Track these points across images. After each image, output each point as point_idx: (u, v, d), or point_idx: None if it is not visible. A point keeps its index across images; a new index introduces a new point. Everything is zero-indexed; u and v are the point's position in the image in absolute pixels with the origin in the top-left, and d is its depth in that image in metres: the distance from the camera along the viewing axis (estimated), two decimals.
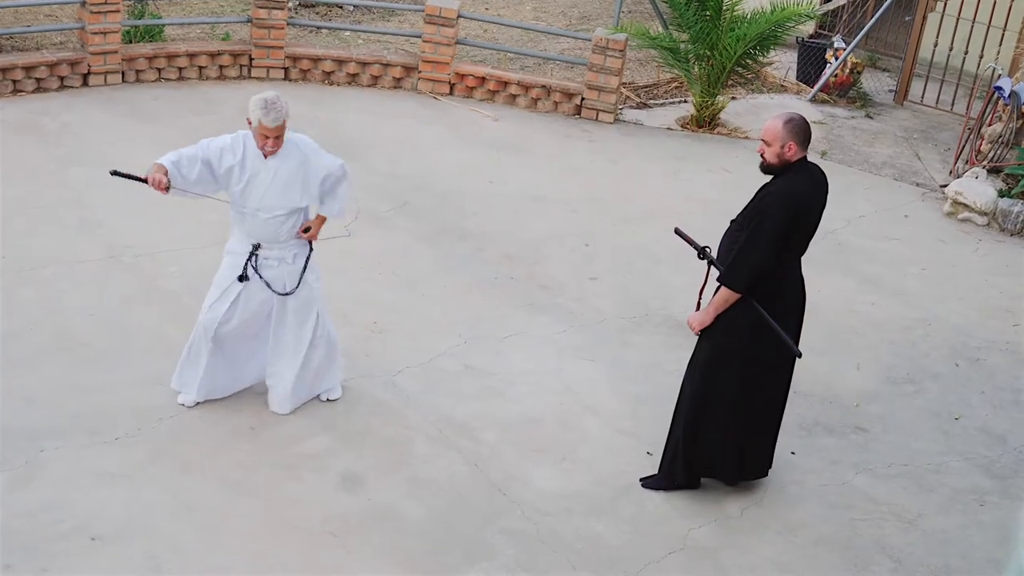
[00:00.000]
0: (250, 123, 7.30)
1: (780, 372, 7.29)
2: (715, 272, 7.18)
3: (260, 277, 7.51)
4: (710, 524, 7.31)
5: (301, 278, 7.58)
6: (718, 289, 7.08)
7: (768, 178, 7.08)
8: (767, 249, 6.87)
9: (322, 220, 7.70)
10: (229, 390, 7.85)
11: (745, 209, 7.08)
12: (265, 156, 7.35)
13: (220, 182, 7.41)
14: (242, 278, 7.49)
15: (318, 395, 7.95)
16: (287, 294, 7.56)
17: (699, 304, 7.39)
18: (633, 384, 8.60)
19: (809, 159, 7.05)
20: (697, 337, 7.30)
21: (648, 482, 7.57)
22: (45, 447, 7.25)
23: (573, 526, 7.16)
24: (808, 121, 7.05)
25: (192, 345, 7.67)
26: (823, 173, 7.10)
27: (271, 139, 7.27)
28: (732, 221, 7.17)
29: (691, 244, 7.39)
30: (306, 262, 7.61)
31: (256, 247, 7.48)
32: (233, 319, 7.58)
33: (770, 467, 7.63)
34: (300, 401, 7.83)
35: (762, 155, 7.01)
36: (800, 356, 7.14)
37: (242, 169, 7.36)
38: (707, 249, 7.28)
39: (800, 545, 7.24)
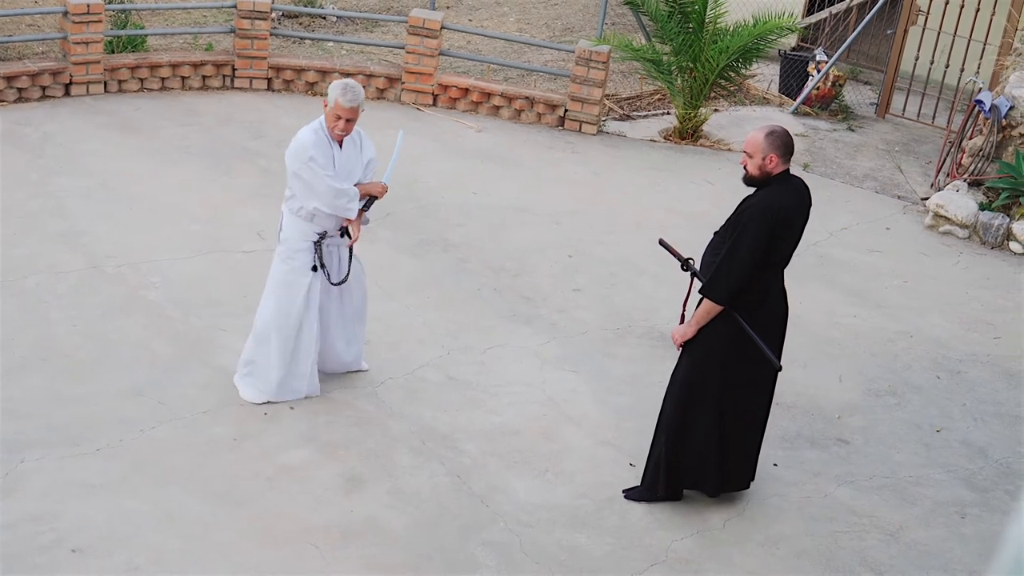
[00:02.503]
0: (326, 106, 7.52)
1: (762, 384, 7.30)
2: (698, 284, 7.20)
3: (324, 267, 7.79)
4: (692, 536, 7.32)
5: (351, 261, 7.96)
6: (700, 301, 7.09)
7: (750, 190, 7.10)
8: (749, 261, 6.88)
9: (359, 219, 7.89)
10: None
11: (727, 221, 7.10)
12: (335, 139, 7.60)
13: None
14: (315, 268, 7.75)
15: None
16: (342, 282, 7.93)
17: (683, 316, 7.41)
18: (616, 396, 8.61)
19: (791, 171, 7.07)
20: (680, 350, 7.31)
21: (631, 494, 7.57)
22: (26, 458, 7.22)
23: (555, 538, 7.16)
24: (790, 133, 7.07)
25: (281, 355, 7.85)
26: (805, 185, 7.12)
27: (343, 120, 7.47)
28: (715, 233, 7.19)
29: (675, 256, 7.41)
30: (350, 250, 7.97)
31: (322, 236, 7.77)
32: (311, 309, 7.85)
33: (752, 479, 7.64)
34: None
35: (744, 167, 7.03)
36: (781, 369, 7.16)
37: (326, 158, 7.61)
38: (690, 261, 7.29)
39: (782, 557, 7.25)
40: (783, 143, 6.94)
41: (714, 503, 7.57)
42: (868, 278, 10.82)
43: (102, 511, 6.90)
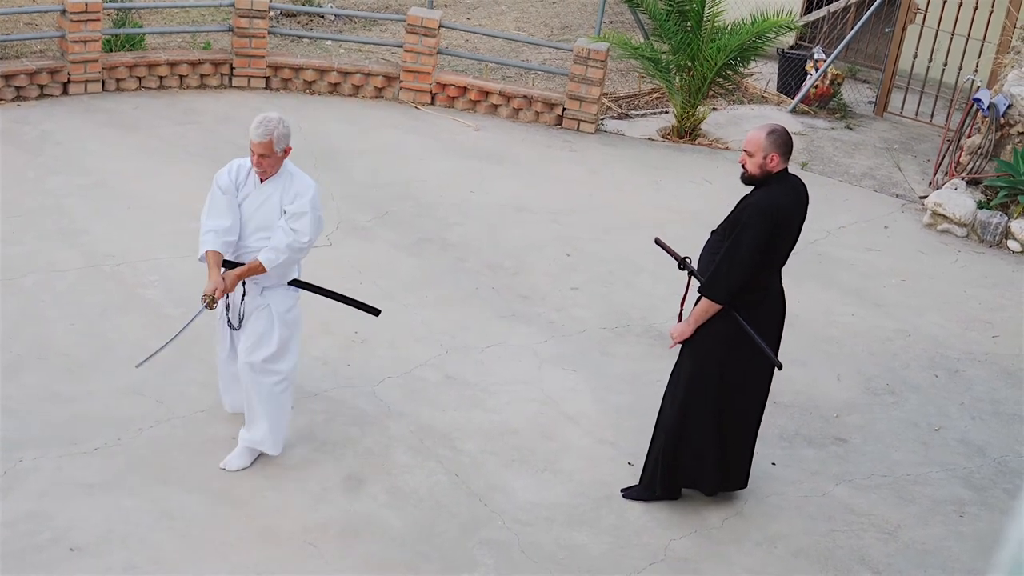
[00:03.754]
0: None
1: (759, 383, 7.30)
2: (696, 283, 7.20)
3: (227, 304, 7.25)
4: (690, 535, 7.31)
5: (263, 317, 7.24)
6: (699, 300, 7.09)
7: (748, 188, 7.09)
8: (747, 260, 6.88)
9: (251, 267, 7.05)
10: None
11: (726, 220, 7.10)
12: (260, 178, 7.05)
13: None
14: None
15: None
16: (232, 327, 7.31)
17: (681, 315, 7.40)
18: (614, 394, 8.60)
19: (790, 170, 7.07)
20: (678, 349, 7.30)
21: (629, 492, 7.57)
22: (24, 457, 7.22)
23: (553, 536, 7.16)
24: (790, 132, 7.07)
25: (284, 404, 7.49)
26: (803, 184, 7.12)
27: (255, 156, 6.91)
28: (713, 232, 7.19)
29: (672, 254, 7.40)
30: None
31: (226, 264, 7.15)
32: (218, 328, 7.56)
33: (748, 478, 7.64)
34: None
35: (744, 165, 7.02)
36: (780, 368, 7.15)
37: (238, 189, 7.10)
38: (688, 260, 7.29)
39: (780, 556, 7.24)
40: (784, 142, 6.94)
41: (712, 502, 7.57)
42: (866, 277, 10.82)
43: (100, 510, 6.90)
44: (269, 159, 6.93)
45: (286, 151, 6.98)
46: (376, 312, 7.73)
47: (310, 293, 7.44)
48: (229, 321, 7.27)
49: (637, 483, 7.59)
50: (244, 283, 7.14)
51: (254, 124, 6.88)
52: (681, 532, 7.32)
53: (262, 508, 7.08)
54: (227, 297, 7.18)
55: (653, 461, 7.45)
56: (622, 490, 7.59)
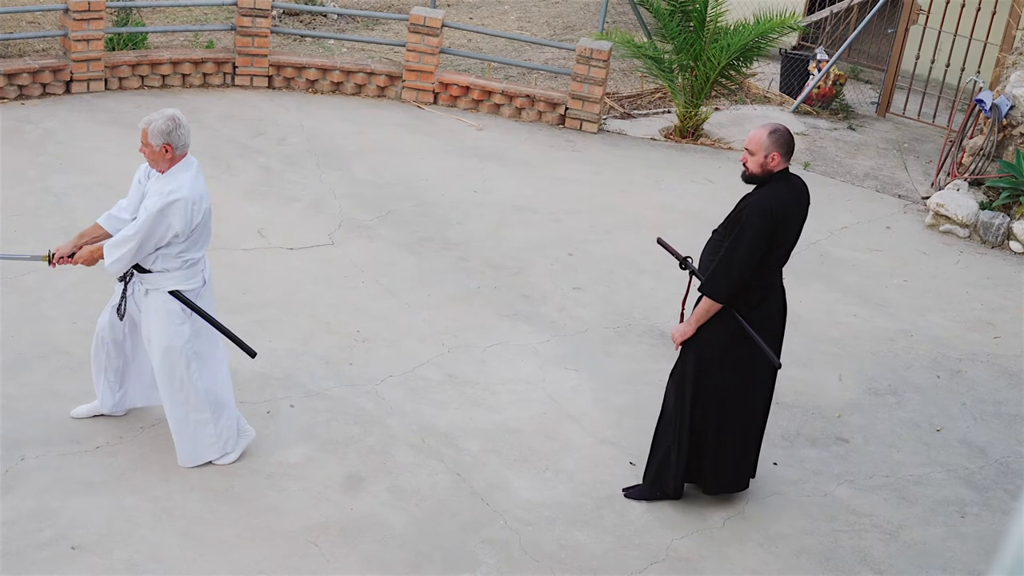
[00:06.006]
0: None
1: (762, 383, 7.30)
2: (697, 283, 7.19)
3: (125, 289, 7.20)
4: (692, 535, 7.31)
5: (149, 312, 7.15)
6: (699, 299, 7.09)
7: (749, 188, 7.09)
8: (748, 259, 6.88)
9: (92, 251, 7.11)
10: None
11: (727, 219, 7.10)
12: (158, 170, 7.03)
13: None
14: (122, 278, 7.20)
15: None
16: (119, 313, 7.23)
17: (682, 315, 7.40)
18: (616, 394, 8.60)
19: (791, 170, 7.07)
20: (680, 349, 7.30)
21: (631, 492, 7.56)
22: (26, 455, 7.22)
23: (555, 536, 7.16)
24: (792, 132, 7.07)
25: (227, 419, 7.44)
26: (804, 184, 7.11)
27: (142, 144, 6.92)
28: (714, 231, 7.19)
29: (673, 254, 7.40)
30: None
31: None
32: (103, 315, 7.45)
33: (752, 478, 7.64)
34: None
35: (745, 164, 7.02)
36: (780, 367, 7.15)
37: (149, 178, 7.11)
38: (689, 259, 7.29)
39: (781, 556, 7.24)
40: (785, 141, 6.94)
41: (714, 502, 7.57)
42: (868, 277, 10.81)
43: (102, 508, 6.90)
44: (146, 148, 6.92)
45: (165, 147, 6.88)
46: (252, 354, 7.36)
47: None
48: (118, 307, 7.20)
49: (639, 483, 7.59)
50: (126, 277, 7.10)
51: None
52: (683, 532, 7.32)
53: (263, 507, 7.08)
54: (125, 290, 7.14)
55: (656, 461, 7.45)
56: (624, 490, 7.59)
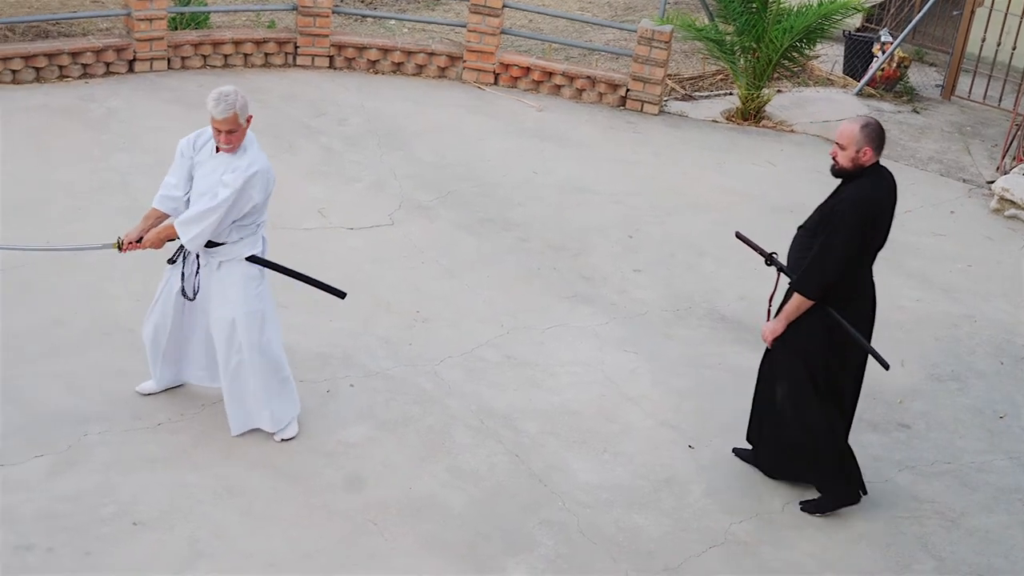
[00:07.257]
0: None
1: (856, 375, 7.24)
2: (784, 279, 7.11)
3: (184, 268, 7.26)
4: (751, 519, 7.28)
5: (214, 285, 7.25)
6: (787, 296, 7.01)
7: (836, 181, 6.99)
8: (842, 255, 6.79)
9: (158, 232, 7.15)
10: None
11: (816, 214, 7.00)
12: (219, 151, 7.05)
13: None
14: (171, 260, 7.30)
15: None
16: (186, 297, 7.32)
17: (769, 312, 7.31)
18: (676, 377, 8.57)
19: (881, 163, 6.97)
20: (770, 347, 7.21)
21: (808, 506, 7.37)
22: (89, 431, 7.29)
23: (613, 518, 7.15)
24: (882, 125, 6.94)
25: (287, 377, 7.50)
26: (893, 177, 7.00)
27: (221, 133, 6.89)
28: (800, 227, 7.10)
29: (756, 249, 7.30)
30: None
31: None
32: (160, 300, 7.50)
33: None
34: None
35: (835, 159, 6.89)
36: (888, 368, 7.06)
37: (196, 152, 7.14)
38: (775, 255, 7.19)
39: (841, 542, 7.19)
40: (877, 135, 6.82)
41: (772, 487, 7.53)
42: (932, 261, 10.71)
43: (163, 485, 6.96)
44: (236, 133, 6.93)
45: (248, 120, 6.96)
46: (342, 295, 7.45)
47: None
48: (184, 291, 7.26)
49: (816, 497, 7.44)
50: (198, 256, 7.16)
51: (212, 102, 6.82)
52: (741, 516, 7.29)
53: (322, 485, 7.11)
54: (183, 266, 7.21)
55: (829, 472, 7.31)
56: (801, 503, 7.41)
